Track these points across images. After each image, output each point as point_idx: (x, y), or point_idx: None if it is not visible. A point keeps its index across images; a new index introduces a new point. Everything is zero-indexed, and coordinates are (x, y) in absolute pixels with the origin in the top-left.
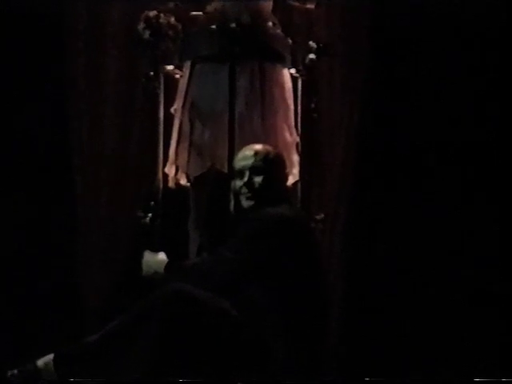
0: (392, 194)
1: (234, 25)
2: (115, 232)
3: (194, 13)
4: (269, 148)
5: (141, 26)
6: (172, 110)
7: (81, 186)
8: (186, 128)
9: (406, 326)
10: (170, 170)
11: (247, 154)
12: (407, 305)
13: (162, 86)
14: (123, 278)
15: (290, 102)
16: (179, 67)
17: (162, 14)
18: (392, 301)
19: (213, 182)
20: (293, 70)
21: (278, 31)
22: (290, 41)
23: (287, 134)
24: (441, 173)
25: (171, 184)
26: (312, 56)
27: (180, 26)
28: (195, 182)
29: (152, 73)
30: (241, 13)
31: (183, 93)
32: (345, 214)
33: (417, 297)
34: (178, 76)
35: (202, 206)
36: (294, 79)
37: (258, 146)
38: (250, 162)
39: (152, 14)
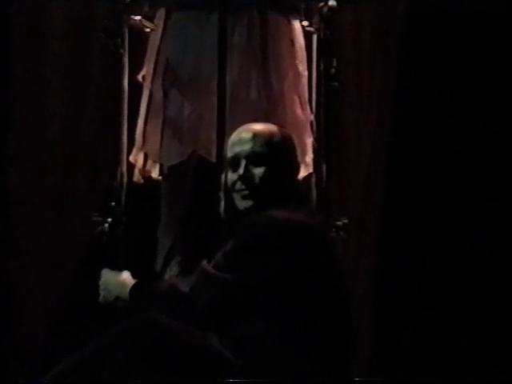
0: (437, 192)
1: None
2: (62, 243)
3: None
4: (273, 128)
5: None
6: (140, 76)
7: (16, 181)
8: (159, 101)
9: (442, 349)
10: (137, 158)
11: (243, 136)
12: (444, 328)
13: (126, 44)
14: (72, 306)
15: (302, 66)
16: (149, 17)
17: None
18: (427, 325)
19: (195, 175)
20: (306, 23)
21: None
22: None
23: (298, 110)
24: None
25: (138, 178)
26: (332, 3)
27: None
28: (170, 174)
29: (112, 25)
30: None
31: (155, 53)
32: (375, 219)
33: (456, 317)
34: (147, 30)
35: (178, 207)
36: (307, 35)
37: (258, 126)
38: (247, 147)
39: None
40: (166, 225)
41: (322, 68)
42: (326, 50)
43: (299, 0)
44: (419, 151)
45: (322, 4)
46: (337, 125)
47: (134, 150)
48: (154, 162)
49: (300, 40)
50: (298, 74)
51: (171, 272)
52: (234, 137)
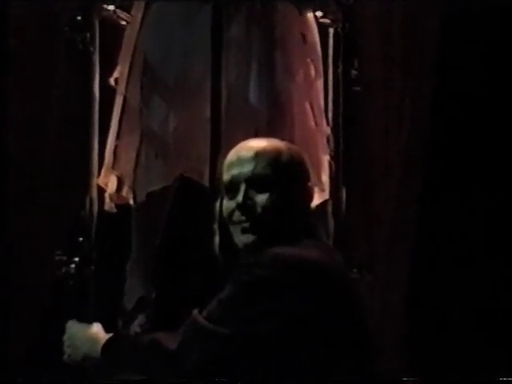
0: (476, 221)
1: None
2: (19, 289)
3: None
4: (279, 145)
5: None
6: (112, 79)
7: None
8: (136, 110)
9: None
10: (108, 181)
11: (243, 154)
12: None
13: (96, 40)
14: (32, 366)
15: (316, 66)
16: (125, 8)
17: None
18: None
19: (181, 203)
20: (320, 13)
21: None
22: None
23: (310, 121)
24: None
25: (110, 206)
26: None
27: None
28: (151, 202)
29: (80, 17)
30: None
31: (131, 50)
32: (406, 255)
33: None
34: (123, 23)
35: (153, 241)
36: (322, 29)
37: (261, 142)
38: (247, 168)
39: None
40: (137, 264)
41: (340, 69)
42: (346, 47)
43: None
44: (459, 171)
45: None
46: (359, 140)
47: (104, 171)
48: (129, 187)
49: (313, 34)
50: (310, 76)
51: (137, 328)
52: (231, 155)
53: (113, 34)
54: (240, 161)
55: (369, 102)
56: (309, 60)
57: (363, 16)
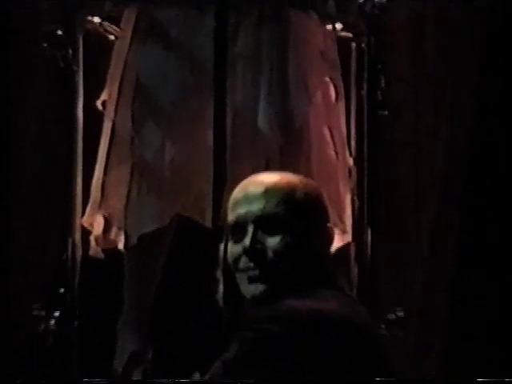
0: None
1: None
2: None
3: None
4: (293, 179)
5: None
6: (99, 103)
7: None
8: (126, 138)
9: None
10: (94, 221)
11: (251, 191)
12: None
13: (80, 58)
14: None
15: (337, 87)
16: (114, 19)
17: None
18: None
19: (178, 246)
20: (340, 26)
21: None
22: None
23: (330, 150)
24: None
25: (96, 250)
26: None
27: None
28: (144, 246)
29: (61, 31)
30: None
31: (121, 68)
32: (444, 308)
33: None
34: (111, 37)
35: (148, 292)
36: (343, 44)
37: (272, 177)
38: (256, 207)
39: None
40: (130, 317)
41: (364, 90)
42: (371, 64)
43: None
44: (502, 205)
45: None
46: (387, 172)
47: (89, 210)
48: (119, 228)
49: (332, 50)
50: (329, 98)
51: None
52: (237, 192)
53: (99, 50)
54: (247, 198)
55: (397, 127)
56: (328, 79)
57: (391, 27)
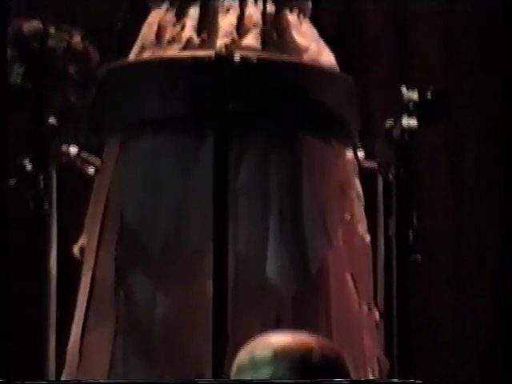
0: None
1: (236, 58)
2: None
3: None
4: (308, 341)
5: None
6: (76, 249)
7: None
8: (109, 291)
9: None
10: None
11: (258, 355)
12: None
13: (53, 196)
14: None
15: (360, 226)
16: (93, 149)
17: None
18: None
19: None
20: (363, 154)
21: (328, 65)
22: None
23: (353, 302)
24: None
25: None
26: (409, 121)
27: (96, 55)
28: None
29: (31, 165)
30: (247, 30)
31: (101, 207)
32: None
33: None
34: (90, 170)
35: None
36: (367, 175)
37: (283, 338)
38: (264, 374)
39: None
40: None
41: (393, 231)
42: (400, 200)
43: (355, 116)
44: None
45: (390, 123)
46: (421, 325)
47: (64, 376)
48: None
49: (354, 182)
50: (351, 239)
51: None
52: (242, 356)
53: (76, 185)
54: (254, 363)
55: (432, 274)
56: (349, 216)
57: (423, 155)
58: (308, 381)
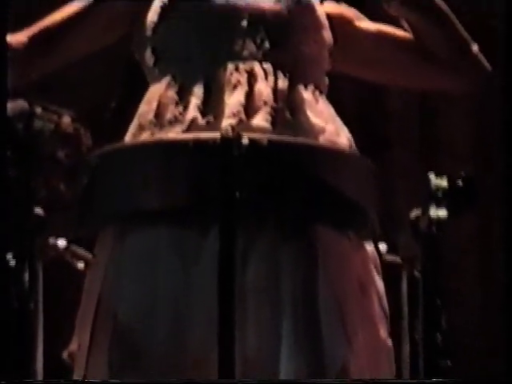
0: None
1: (244, 140)
2: None
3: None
4: None
5: None
6: (66, 354)
7: None
8: None
9: None
10: None
11: None
12: None
13: (39, 294)
14: None
15: (384, 326)
16: (84, 242)
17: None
18: None
19: None
20: (385, 247)
21: (346, 148)
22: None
23: None
24: None
25: None
26: (438, 212)
27: (88, 137)
28: None
29: (14, 262)
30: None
31: (93, 308)
32: None
33: None
34: (81, 265)
35: None
36: (391, 271)
37: None
38: None
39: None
40: None
41: (420, 334)
42: (427, 298)
43: (373, 203)
44: None
45: (416, 213)
46: None
47: None
48: None
49: (376, 281)
50: (372, 344)
51: None
52: None
53: (65, 283)
54: None
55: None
56: (372, 315)
57: (451, 248)
58: None
